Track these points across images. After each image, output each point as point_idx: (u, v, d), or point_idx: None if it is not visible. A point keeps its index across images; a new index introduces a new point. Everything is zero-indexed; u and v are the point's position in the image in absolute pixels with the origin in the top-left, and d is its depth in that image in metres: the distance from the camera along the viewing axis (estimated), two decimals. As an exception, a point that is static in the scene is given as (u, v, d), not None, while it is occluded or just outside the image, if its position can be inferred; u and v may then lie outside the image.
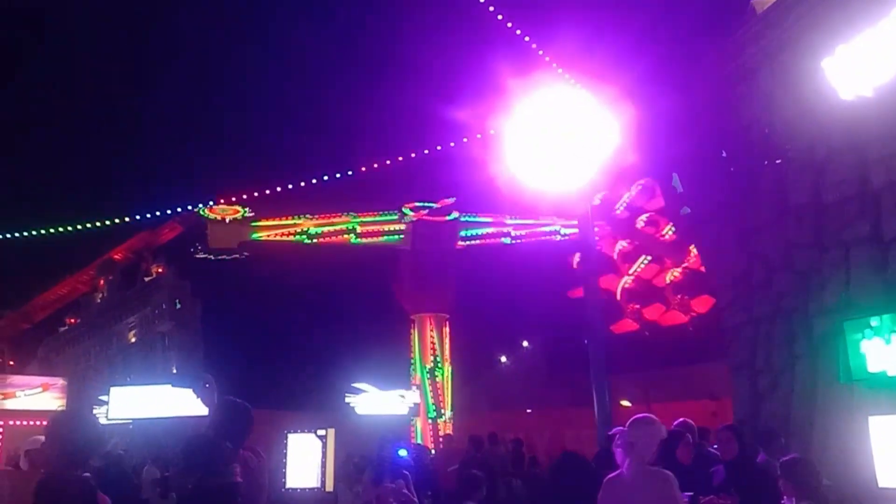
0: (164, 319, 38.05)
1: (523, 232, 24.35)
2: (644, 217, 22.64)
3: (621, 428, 5.01)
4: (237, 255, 20.88)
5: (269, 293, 41.53)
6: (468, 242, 23.30)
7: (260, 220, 21.05)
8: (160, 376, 29.10)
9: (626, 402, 24.43)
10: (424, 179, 24.64)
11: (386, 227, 22.70)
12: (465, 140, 17.48)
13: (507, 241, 24.02)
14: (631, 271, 25.87)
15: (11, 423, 19.67)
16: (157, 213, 21.26)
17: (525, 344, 37.71)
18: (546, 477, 9.37)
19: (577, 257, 27.52)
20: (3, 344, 45.88)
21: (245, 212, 20.75)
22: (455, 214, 22.90)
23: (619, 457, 4.54)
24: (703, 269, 17.15)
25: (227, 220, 20.63)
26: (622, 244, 26.38)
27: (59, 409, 19.90)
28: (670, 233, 22.03)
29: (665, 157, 12.60)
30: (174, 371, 32.91)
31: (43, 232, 22.23)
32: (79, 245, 41.02)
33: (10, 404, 20.71)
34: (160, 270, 41.14)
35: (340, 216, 22.17)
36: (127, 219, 21.13)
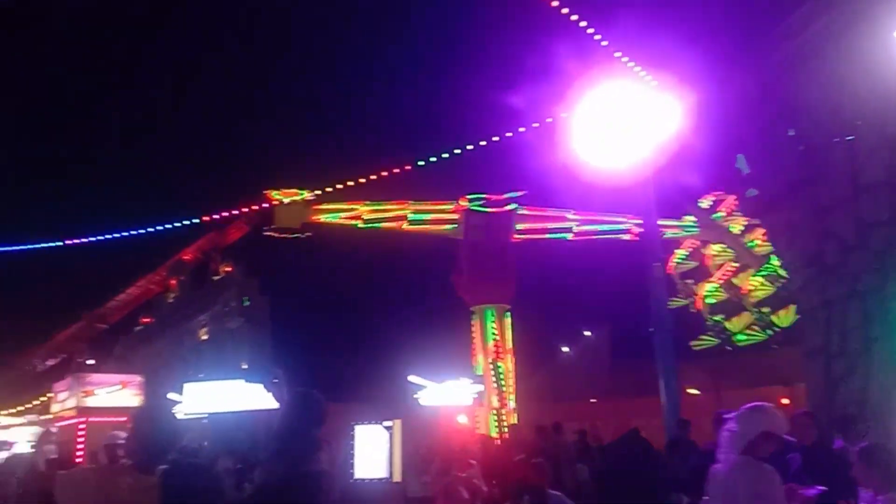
0: (233, 316, 39.03)
1: (588, 228, 23.94)
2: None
3: (729, 412, 4.84)
4: (299, 235, 21.78)
5: (333, 287, 42.25)
6: (524, 237, 23.09)
7: (321, 204, 21.68)
8: (231, 372, 29.95)
9: (693, 390, 23.95)
10: (487, 170, 24.60)
11: (441, 216, 22.81)
12: (535, 125, 17.08)
13: (568, 237, 23.71)
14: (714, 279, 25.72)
15: (93, 419, 20.63)
16: (224, 214, 21.92)
17: (587, 333, 37.28)
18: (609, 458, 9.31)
19: (673, 259, 27.38)
20: (82, 344, 47.99)
21: (305, 194, 21.48)
22: (514, 206, 22.77)
23: (722, 444, 4.38)
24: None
25: (290, 202, 21.42)
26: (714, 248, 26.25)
27: (138, 405, 20.76)
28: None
29: (730, 138, 12.27)
30: (244, 366, 33.78)
31: (117, 235, 23.21)
32: (150, 248, 42.62)
33: (90, 402, 21.68)
34: (228, 269, 42.23)
35: (397, 203, 22.40)
36: (195, 220, 21.83)
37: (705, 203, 26.96)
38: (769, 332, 26.02)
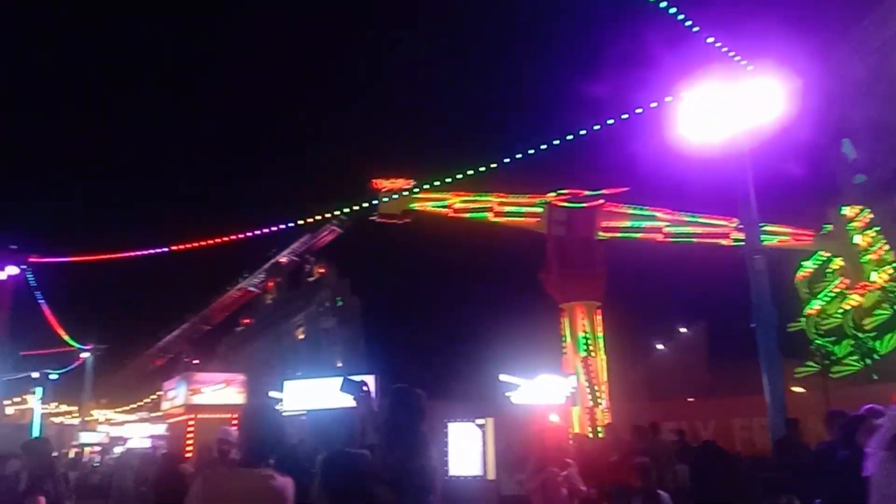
0: (327, 317, 40.26)
1: (679, 230, 22.99)
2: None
3: (875, 406, 4.55)
4: (399, 221, 22.53)
5: (423, 287, 42.74)
6: (610, 235, 22.52)
7: (420, 193, 22.35)
8: (327, 370, 30.84)
9: (798, 389, 22.79)
10: (583, 162, 24.18)
11: (529, 210, 22.66)
12: (637, 111, 16.54)
13: (658, 237, 22.88)
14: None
15: (201, 416, 21.62)
16: (317, 217, 22.57)
17: (683, 330, 36.17)
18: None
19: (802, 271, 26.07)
20: (188, 345, 50.67)
21: (410, 189, 22.29)
22: (599, 202, 22.31)
23: (869, 447, 4.13)
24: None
25: (392, 190, 22.17)
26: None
27: (243, 402, 21.62)
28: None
29: (834, 123, 11.63)
30: (339, 365, 34.74)
31: (218, 241, 24.29)
32: (249, 252, 44.42)
33: (197, 399, 22.71)
34: (322, 271, 43.60)
35: (489, 195, 22.52)
36: (291, 224, 22.58)
37: (846, 211, 24.86)
38: (867, 360, 24.38)
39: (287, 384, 21.52)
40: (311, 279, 44.65)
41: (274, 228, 23.38)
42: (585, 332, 21.70)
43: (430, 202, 22.58)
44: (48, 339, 43.01)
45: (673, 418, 17.56)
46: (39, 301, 35.81)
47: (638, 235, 22.82)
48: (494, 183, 21.96)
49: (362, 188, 22.42)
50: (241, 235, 24.04)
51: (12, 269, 28.24)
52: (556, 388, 18.63)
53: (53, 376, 47.30)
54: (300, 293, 45.34)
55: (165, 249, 24.45)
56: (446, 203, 22.54)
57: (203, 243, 24.52)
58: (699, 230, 23.04)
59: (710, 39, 12.62)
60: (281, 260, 46.56)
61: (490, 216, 22.60)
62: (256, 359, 42.56)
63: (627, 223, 22.77)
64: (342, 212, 24.00)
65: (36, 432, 40.17)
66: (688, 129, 12.76)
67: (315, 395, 19.13)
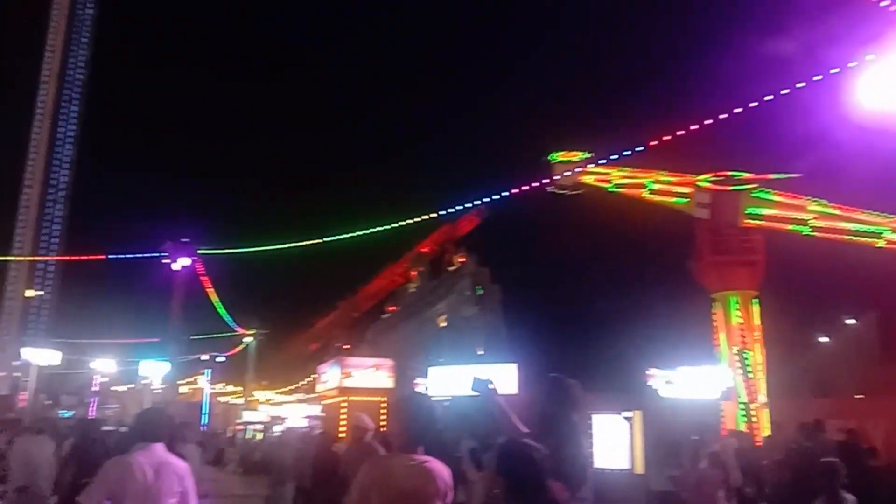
0: (468, 305, 40.83)
1: (832, 224, 20.65)
2: None
3: None
4: (570, 192, 23.05)
5: (564, 274, 42.25)
6: (756, 223, 20.87)
7: (590, 166, 22.79)
8: (469, 357, 31.29)
9: None
10: (745, 140, 22.89)
11: (680, 190, 21.67)
12: (816, 79, 15.08)
13: (805, 230, 20.77)
14: None
15: (353, 398, 22.68)
16: (459, 207, 22.92)
17: (851, 322, 33.28)
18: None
19: None
20: (339, 330, 53.26)
21: (583, 155, 22.81)
22: (747, 186, 20.78)
23: None
24: None
25: (567, 163, 22.76)
26: None
27: (392, 386, 22.45)
28: None
29: None
30: (480, 352, 35.13)
31: (366, 232, 25.33)
32: (394, 242, 45.91)
33: (348, 382, 23.85)
34: (462, 260, 44.28)
35: (645, 172, 22.04)
36: (433, 214, 23.10)
37: None
38: None
39: (431, 370, 22.09)
40: (451, 268, 45.44)
41: (416, 220, 24.01)
42: (740, 323, 20.49)
43: (593, 176, 22.89)
44: (215, 324, 46.92)
45: (839, 416, 16.21)
46: (208, 289, 39.04)
47: (785, 226, 21.01)
48: (658, 159, 21.38)
49: (532, 163, 22.98)
50: (385, 227, 24.88)
51: (184, 261, 30.94)
52: (709, 382, 17.78)
53: (220, 359, 51.49)
54: (441, 282, 46.30)
55: (319, 240, 25.83)
56: (608, 177, 22.72)
57: (353, 234, 25.67)
58: (851, 226, 20.58)
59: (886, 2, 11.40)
60: (423, 249, 47.82)
61: (645, 193, 22.13)
62: (401, 345, 43.95)
63: (773, 211, 21.04)
64: (508, 192, 24.08)
65: (206, 410, 44.02)
66: (871, 99, 11.47)
67: (458, 381, 19.49)
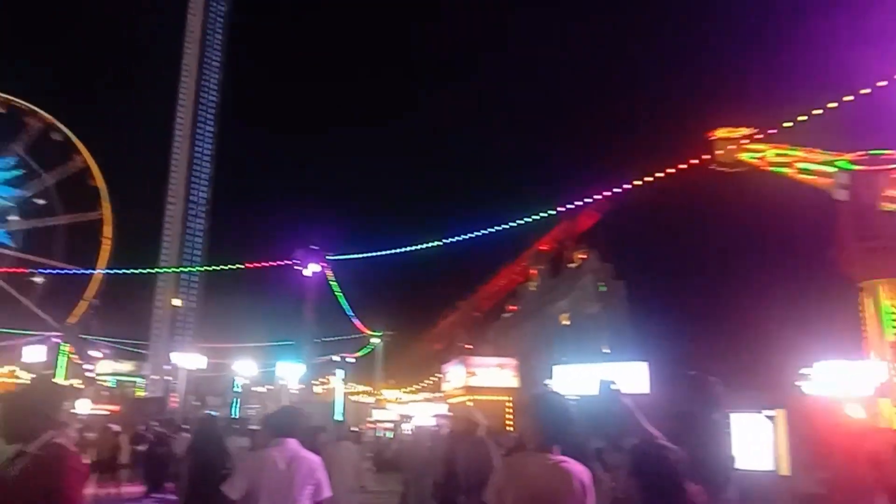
0: (591, 302, 40.11)
1: None
2: None
3: None
4: (731, 170, 22.77)
5: (692, 268, 40.53)
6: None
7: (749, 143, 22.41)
8: (595, 355, 30.70)
9: None
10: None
11: (822, 169, 20.44)
12: None
13: None
14: None
15: (478, 397, 22.87)
16: (578, 203, 22.58)
17: None
18: None
19: None
20: (461, 330, 53.82)
21: (744, 131, 22.55)
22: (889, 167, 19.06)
23: None
24: None
25: (728, 140, 22.58)
26: None
27: (516, 386, 22.45)
28: None
29: None
30: (606, 351, 34.38)
31: (484, 232, 25.47)
32: (512, 241, 45.83)
33: (473, 381, 24.11)
34: (583, 257, 43.58)
35: (805, 151, 21.17)
36: (551, 211, 22.89)
37: None
38: None
39: (556, 369, 21.89)
40: (572, 265, 44.80)
41: (535, 217, 23.88)
42: (893, 313, 18.85)
43: (748, 153, 22.48)
44: (345, 326, 48.75)
45: None
46: (337, 293, 40.65)
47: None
48: (804, 138, 20.44)
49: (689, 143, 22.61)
50: (503, 226, 24.91)
51: (315, 267, 32.39)
52: (859, 378, 16.49)
53: (350, 359, 53.37)
54: (562, 279, 45.75)
55: (440, 242, 26.28)
56: (760, 155, 22.30)
57: (471, 235, 25.90)
58: None
59: None
60: (541, 247, 47.45)
61: (790, 172, 21.15)
62: (524, 344, 43.76)
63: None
64: (592, 199, 23.64)
65: (339, 409, 45.79)
66: None
67: (584, 380, 19.18)
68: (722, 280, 39.27)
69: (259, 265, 34.70)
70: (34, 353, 45.17)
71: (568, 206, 24.14)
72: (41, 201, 56.35)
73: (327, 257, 33.36)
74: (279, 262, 33.48)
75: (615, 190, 21.78)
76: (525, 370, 25.21)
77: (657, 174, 21.73)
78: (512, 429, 22.02)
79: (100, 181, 55.76)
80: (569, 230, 43.93)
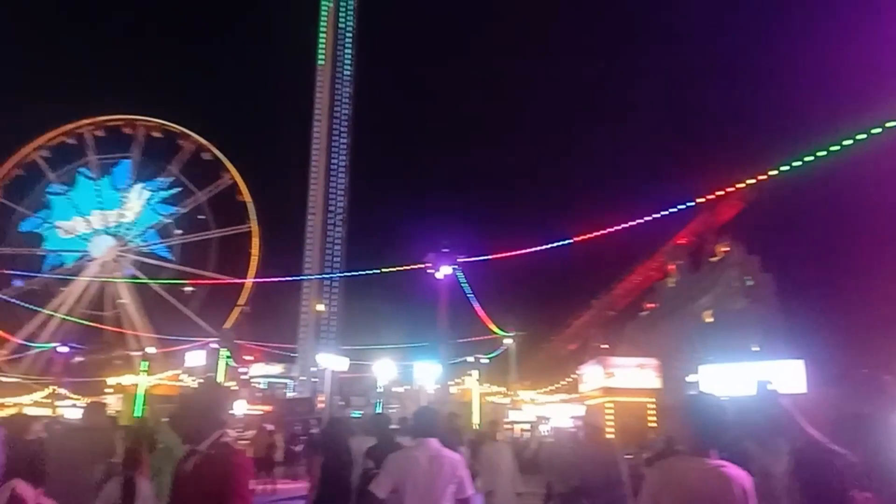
0: (736, 297, 38.04)
1: None
2: None
3: None
4: None
5: (854, 258, 37.18)
6: None
7: None
8: (743, 354, 29.06)
9: None
10: None
11: None
12: None
13: None
14: None
15: (618, 399, 22.25)
16: (719, 193, 21.43)
17: None
18: None
19: None
20: (596, 329, 52.72)
21: None
22: None
23: None
24: None
25: None
26: None
27: (658, 387, 21.65)
28: None
29: None
30: (756, 349, 32.43)
31: (616, 228, 24.77)
32: (646, 236, 44.32)
33: (611, 382, 23.45)
34: (726, 249, 41.40)
35: None
36: (689, 203, 21.88)
37: None
38: None
39: (702, 369, 20.89)
40: (714, 259, 42.66)
41: (672, 210, 22.94)
42: None
43: None
44: (478, 328, 49.16)
45: None
46: (469, 295, 41.08)
47: None
48: None
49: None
50: (636, 222, 24.13)
51: (447, 270, 32.92)
52: None
53: (484, 360, 53.77)
54: (703, 274, 43.69)
55: (569, 241, 25.86)
56: None
57: (602, 232, 25.29)
58: None
59: None
60: (679, 241, 45.52)
61: None
62: (664, 343, 42.16)
63: None
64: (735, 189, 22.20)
65: (476, 410, 46.19)
66: None
67: (734, 380, 18.18)
68: (883, 268, 35.76)
69: (394, 269, 35.76)
70: (195, 358, 48.93)
71: (707, 196, 22.96)
72: (199, 217, 61.38)
73: (459, 260, 33.78)
74: (413, 266, 34.34)
75: (760, 177, 20.46)
76: (667, 370, 24.24)
77: (815, 153, 19.65)
78: (655, 431, 21.25)
79: (247, 196, 59.85)
80: (709, 222, 41.87)
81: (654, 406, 21.75)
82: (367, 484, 4.97)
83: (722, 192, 22.82)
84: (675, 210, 22.31)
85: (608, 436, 18.54)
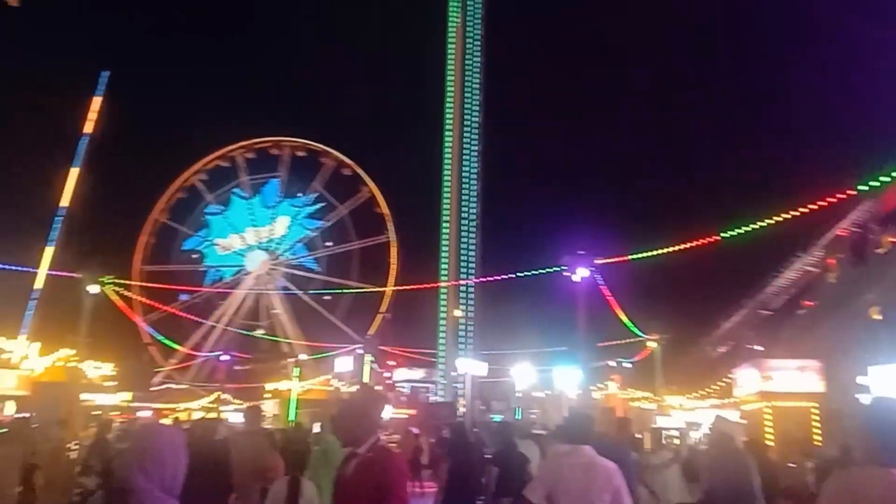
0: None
1: None
2: None
3: None
4: None
5: None
6: None
7: None
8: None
9: None
10: None
11: None
12: None
13: None
14: None
15: (776, 403, 20.89)
16: (884, 179, 19.60)
17: None
18: None
19: None
20: (748, 330, 49.71)
21: None
22: None
23: None
24: None
25: None
26: None
27: (822, 391, 20.09)
28: None
29: None
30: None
31: (767, 223, 23.26)
32: (802, 228, 41.31)
33: (769, 386, 22.06)
34: (893, 240, 37.77)
35: None
36: (850, 191, 20.18)
37: None
38: None
39: (872, 370, 19.17)
40: (880, 250, 39.00)
41: (830, 200, 21.23)
42: None
43: None
44: (620, 331, 47.89)
45: None
46: (607, 297, 40.10)
47: None
48: None
49: None
50: (787, 215, 22.57)
51: (583, 272, 32.30)
52: None
53: (627, 364, 52.29)
54: (868, 268, 40.07)
55: (716, 238, 24.60)
56: None
57: (752, 227, 23.86)
58: None
59: None
60: (839, 233, 42.03)
61: None
62: (826, 343, 38.94)
63: None
64: None
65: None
66: None
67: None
68: None
69: (529, 273, 35.60)
70: (343, 364, 51.23)
71: (871, 182, 21.01)
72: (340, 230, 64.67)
73: (596, 261, 33.07)
74: (548, 269, 34.01)
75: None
76: (831, 373, 22.43)
77: None
78: (819, 439, 19.72)
79: (384, 208, 62.13)
80: (873, 211, 38.35)
81: (817, 412, 20.19)
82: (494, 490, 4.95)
83: (888, 179, 20.80)
84: (834, 200, 20.59)
85: (767, 444, 17.44)
